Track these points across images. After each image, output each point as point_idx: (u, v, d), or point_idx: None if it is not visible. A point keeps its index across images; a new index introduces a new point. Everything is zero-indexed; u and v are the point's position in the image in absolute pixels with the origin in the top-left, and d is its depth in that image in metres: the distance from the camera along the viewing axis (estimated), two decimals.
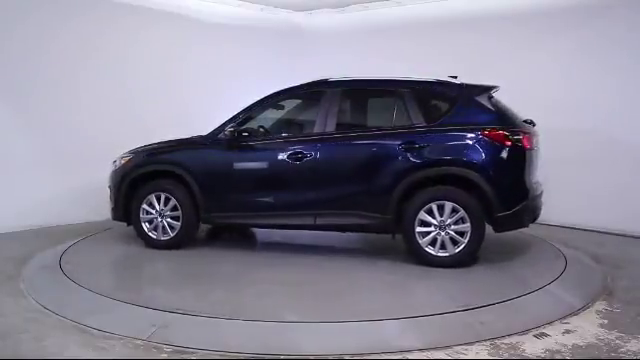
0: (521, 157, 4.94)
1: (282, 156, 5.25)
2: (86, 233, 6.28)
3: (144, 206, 5.61)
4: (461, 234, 4.88)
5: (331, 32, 8.98)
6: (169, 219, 5.57)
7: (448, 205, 4.88)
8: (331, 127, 5.24)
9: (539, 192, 5.29)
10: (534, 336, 3.67)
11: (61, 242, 5.83)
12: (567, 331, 3.78)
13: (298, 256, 5.42)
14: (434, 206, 4.91)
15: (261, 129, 5.65)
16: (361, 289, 4.54)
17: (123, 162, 5.80)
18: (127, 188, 5.68)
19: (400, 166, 4.99)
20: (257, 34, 8.75)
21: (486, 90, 5.17)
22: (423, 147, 4.97)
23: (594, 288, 4.65)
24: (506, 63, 7.17)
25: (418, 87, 5.26)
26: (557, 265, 5.06)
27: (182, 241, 5.59)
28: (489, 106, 5.08)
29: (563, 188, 6.28)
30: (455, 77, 5.36)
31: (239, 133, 5.37)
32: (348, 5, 8.64)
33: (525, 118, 5.28)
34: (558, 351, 3.46)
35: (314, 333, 3.68)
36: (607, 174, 6.60)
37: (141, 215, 5.63)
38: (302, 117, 5.79)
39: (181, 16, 7.97)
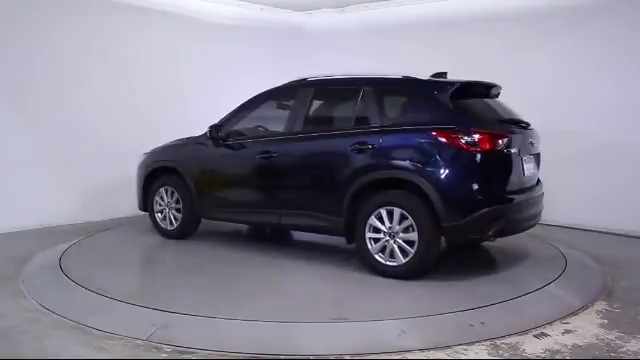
0: (477, 160, 4.44)
1: (254, 155, 5.39)
2: (86, 233, 6.29)
3: (156, 198, 6.11)
4: (411, 243, 4.52)
5: (331, 32, 8.99)
6: (174, 211, 5.99)
7: (397, 211, 4.56)
8: (298, 127, 5.26)
9: (525, 200, 4.82)
10: (534, 336, 3.68)
11: (61, 242, 5.83)
12: (567, 331, 3.78)
13: (271, 256, 5.41)
14: (384, 212, 4.62)
15: (260, 128, 5.76)
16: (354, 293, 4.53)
17: (143, 159, 6.31)
18: (144, 182, 6.19)
19: (351, 168, 4.79)
20: (257, 34, 8.75)
21: (447, 87, 4.71)
22: (373, 148, 4.70)
23: (594, 288, 4.65)
24: (507, 64, 7.15)
25: (379, 85, 5.01)
26: (557, 265, 5.06)
27: (184, 232, 5.98)
28: (448, 104, 4.62)
29: (563, 188, 6.28)
30: (444, 73, 5.15)
31: (220, 133, 5.62)
32: (348, 5, 8.65)
33: (512, 118, 4.97)
34: (558, 351, 3.46)
35: (314, 333, 3.68)
36: (607, 174, 6.60)
37: (154, 207, 6.10)
38: (280, 117, 5.72)
39: (181, 16, 7.98)
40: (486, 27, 7.43)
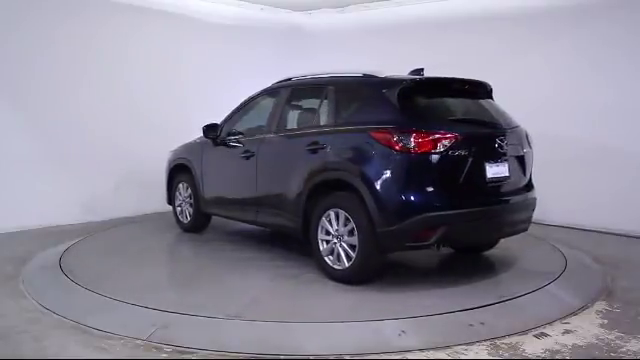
0: (413, 162, 4.16)
1: (239, 154, 5.56)
2: (86, 233, 6.30)
3: (177, 194, 6.57)
4: (354, 248, 4.38)
5: (331, 32, 9.00)
6: (188, 206, 6.40)
7: (342, 214, 4.45)
8: (273, 127, 5.34)
9: (492, 206, 4.53)
10: (534, 336, 3.67)
11: (61, 242, 5.84)
12: (567, 331, 3.78)
13: (260, 255, 5.48)
14: (332, 214, 4.52)
15: (255, 128, 5.77)
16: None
17: (169, 156, 6.67)
18: (169, 178, 6.64)
19: (305, 168, 4.76)
20: (257, 34, 8.76)
21: (396, 84, 4.48)
22: (323, 149, 4.64)
23: (594, 288, 4.65)
24: (505, 64, 7.16)
25: (338, 84, 4.92)
26: (557, 265, 5.05)
27: (196, 226, 6.40)
28: (395, 103, 4.37)
29: (563, 189, 6.28)
30: (421, 70, 5.03)
31: (217, 133, 5.87)
32: (348, 5, 8.66)
33: (477, 119, 4.69)
34: (558, 351, 3.46)
35: (314, 333, 3.68)
36: (607, 174, 6.60)
37: (175, 201, 6.60)
38: (266, 117, 5.70)
39: (181, 16, 7.99)
40: (486, 27, 7.43)
